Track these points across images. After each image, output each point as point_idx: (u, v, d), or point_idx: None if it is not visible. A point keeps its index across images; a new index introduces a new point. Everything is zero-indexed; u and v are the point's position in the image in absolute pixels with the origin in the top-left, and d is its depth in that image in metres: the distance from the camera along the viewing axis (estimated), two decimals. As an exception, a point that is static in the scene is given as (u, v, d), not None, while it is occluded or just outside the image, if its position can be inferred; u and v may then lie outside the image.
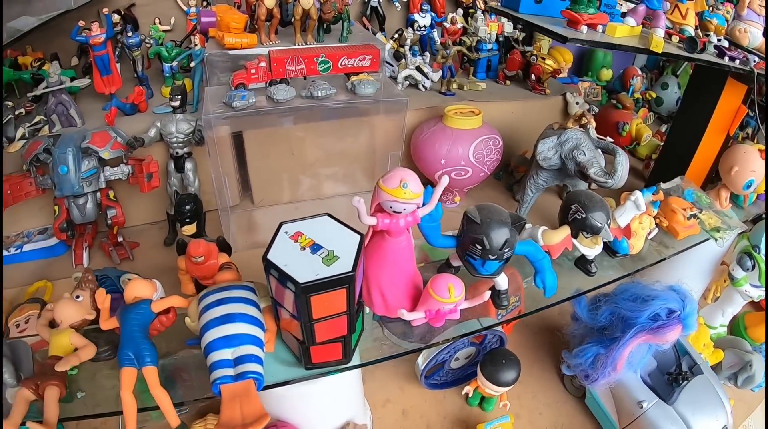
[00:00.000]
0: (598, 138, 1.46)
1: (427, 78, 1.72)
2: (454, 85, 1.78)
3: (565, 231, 0.97)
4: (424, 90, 1.74)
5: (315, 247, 0.68)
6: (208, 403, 0.95)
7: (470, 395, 1.10)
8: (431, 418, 1.10)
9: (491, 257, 0.77)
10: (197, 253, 1.09)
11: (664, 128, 2.10)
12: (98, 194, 1.41)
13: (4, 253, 1.54)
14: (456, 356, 1.10)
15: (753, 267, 1.19)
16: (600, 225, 0.93)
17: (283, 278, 0.64)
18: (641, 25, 1.26)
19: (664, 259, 1.11)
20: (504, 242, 0.76)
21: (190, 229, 1.31)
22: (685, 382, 1.04)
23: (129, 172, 1.41)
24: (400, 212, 0.74)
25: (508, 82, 1.89)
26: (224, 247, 1.17)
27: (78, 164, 1.32)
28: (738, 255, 1.22)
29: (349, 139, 1.63)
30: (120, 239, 1.50)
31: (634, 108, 2.07)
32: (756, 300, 1.24)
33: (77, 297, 0.85)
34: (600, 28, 1.22)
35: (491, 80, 1.91)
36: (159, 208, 1.63)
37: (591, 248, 1.00)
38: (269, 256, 0.65)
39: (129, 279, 1.07)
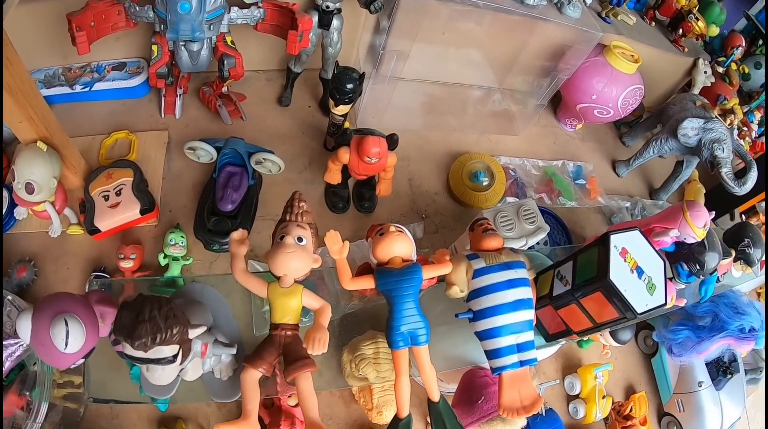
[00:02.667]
0: (738, 141, 1.47)
1: (591, -5, 1.50)
2: (611, 14, 1.58)
3: (731, 258, 1.05)
4: (584, 5, 1.52)
5: (639, 271, 0.67)
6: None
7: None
8: None
9: (700, 276, 0.86)
10: (373, 153, 0.99)
11: (744, 108, 2.14)
12: (214, 39, 1.14)
13: (66, 90, 1.24)
14: None
15: None
16: (756, 262, 1.04)
17: (618, 301, 0.65)
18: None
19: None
20: (713, 269, 0.85)
21: (344, 109, 1.15)
22: (731, 376, 1.31)
23: (260, 18, 1.13)
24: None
25: (654, 23, 1.72)
26: (393, 144, 1.07)
27: (203, 1, 1.03)
28: None
29: (508, 38, 1.46)
30: (225, 90, 1.26)
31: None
32: None
33: (299, 239, 0.64)
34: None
35: (638, 14, 1.72)
36: (267, 55, 1.39)
37: (738, 273, 1.13)
38: (612, 278, 0.64)
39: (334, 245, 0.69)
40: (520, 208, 1.12)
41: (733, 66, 2.20)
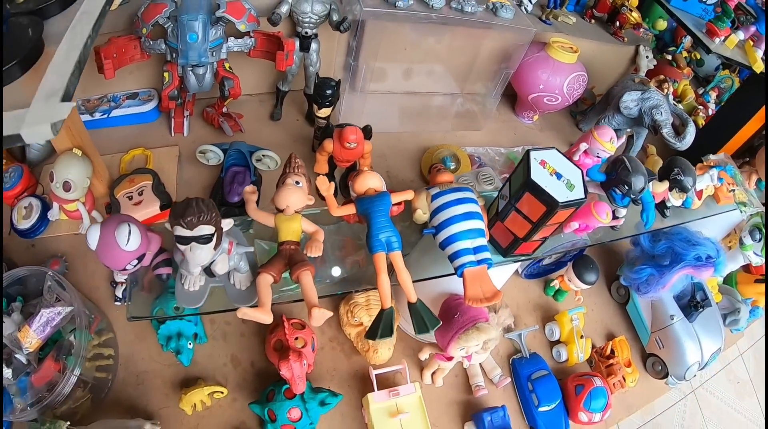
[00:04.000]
0: (674, 104, 1.69)
1: (531, 2, 1.78)
2: (551, 16, 1.86)
3: (665, 185, 1.24)
4: (525, 12, 1.80)
5: (558, 175, 0.86)
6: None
7: (557, 287, 1.44)
8: (520, 301, 1.44)
9: (630, 196, 1.04)
10: (352, 139, 1.20)
11: (700, 90, 2.38)
12: (215, 64, 1.40)
13: (87, 118, 1.49)
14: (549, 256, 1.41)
15: (759, 240, 1.58)
16: (690, 187, 1.21)
17: (542, 195, 0.83)
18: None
19: (707, 217, 1.45)
20: (641, 189, 1.03)
21: (326, 111, 1.38)
22: (702, 309, 1.44)
23: (252, 46, 1.40)
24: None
25: (593, 21, 1.99)
26: (368, 134, 1.29)
27: (207, 33, 1.28)
28: (750, 227, 1.57)
29: (463, 50, 1.71)
30: (225, 110, 1.52)
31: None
32: (754, 265, 1.63)
33: (297, 183, 0.87)
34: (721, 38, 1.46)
35: (578, 14, 2.00)
36: (259, 80, 1.65)
37: (677, 200, 1.30)
38: (533, 178, 0.83)
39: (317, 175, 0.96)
40: (478, 174, 1.32)
41: (684, 54, 2.47)
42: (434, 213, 0.90)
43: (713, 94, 2.40)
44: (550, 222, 0.87)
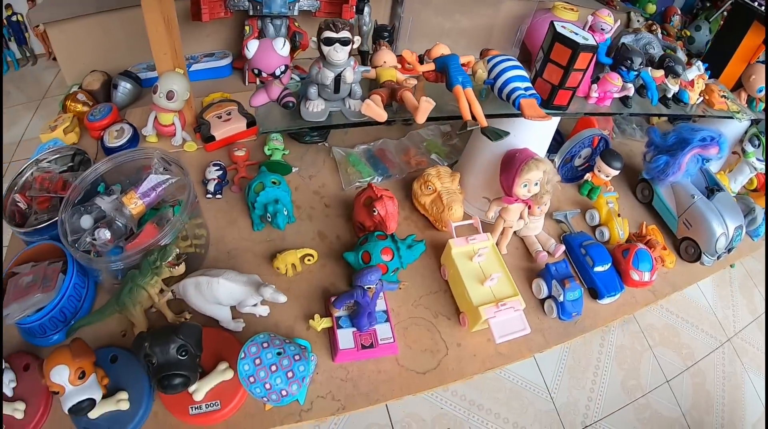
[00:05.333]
0: (662, 41, 2.43)
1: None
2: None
3: (661, 71, 1.88)
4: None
5: (576, 33, 1.50)
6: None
7: (590, 182, 2.00)
8: (560, 199, 2.00)
9: (634, 69, 1.68)
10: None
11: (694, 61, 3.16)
12: (287, 20, 2.09)
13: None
14: (580, 154, 2.02)
15: (758, 145, 2.22)
16: (680, 72, 1.87)
17: (567, 41, 1.46)
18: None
19: (704, 116, 2.09)
20: (640, 63, 1.68)
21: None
22: (716, 192, 2.02)
23: (318, 7, 2.10)
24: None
25: (588, -6, 2.81)
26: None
27: None
28: (749, 136, 2.23)
29: (483, 18, 2.45)
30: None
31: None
32: (758, 171, 2.27)
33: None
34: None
35: (573, -11, 2.82)
36: None
37: (673, 86, 1.95)
38: (557, 29, 1.48)
39: None
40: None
41: (675, 31, 3.30)
42: (492, 68, 1.52)
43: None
44: (576, 66, 1.50)
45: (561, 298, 1.58)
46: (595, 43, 1.47)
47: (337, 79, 1.33)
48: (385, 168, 1.86)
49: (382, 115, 1.30)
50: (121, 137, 1.84)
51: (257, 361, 1.16)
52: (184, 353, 1.16)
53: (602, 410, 2.56)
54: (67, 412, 1.15)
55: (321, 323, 1.37)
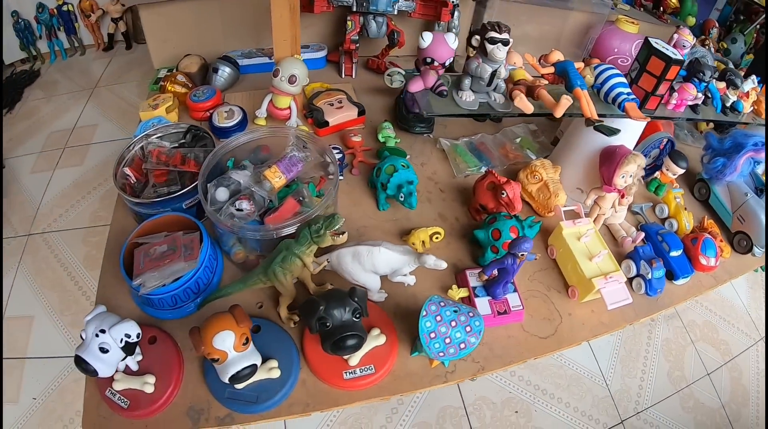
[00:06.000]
0: (714, 54, 2.93)
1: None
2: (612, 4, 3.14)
3: (723, 83, 2.37)
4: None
5: (666, 48, 1.96)
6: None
7: (658, 180, 2.44)
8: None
9: (705, 81, 2.16)
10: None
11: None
12: (386, 18, 2.49)
13: (266, 60, 2.54)
14: (650, 154, 2.47)
15: None
16: (739, 84, 2.35)
17: (662, 55, 1.91)
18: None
19: (749, 124, 2.57)
20: (710, 76, 2.16)
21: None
22: (762, 192, 2.51)
23: (413, 8, 2.51)
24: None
25: (641, 8, 3.31)
26: None
27: None
28: None
29: (551, 27, 2.91)
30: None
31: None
32: None
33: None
34: None
35: (629, 5, 3.32)
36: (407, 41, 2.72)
37: (732, 96, 2.42)
38: (652, 43, 1.92)
39: None
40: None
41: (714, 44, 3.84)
42: (598, 75, 1.96)
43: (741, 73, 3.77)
44: (667, 76, 1.96)
45: (649, 276, 2.01)
46: (682, 58, 1.92)
47: (493, 74, 1.73)
48: (488, 160, 2.27)
49: (529, 108, 1.70)
50: (232, 118, 2.19)
51: (438, 318, 1.39)
52: (358, 315, 1.34)
53: (651, 398, 3.00)
54: (227, 380, 1.27)
55: (459, 292, 1.74)
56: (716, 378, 3.20)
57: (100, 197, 3.56)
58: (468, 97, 1.77)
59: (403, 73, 2.47)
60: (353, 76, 2.62)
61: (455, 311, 1.43)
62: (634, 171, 1.98)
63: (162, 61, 2.68)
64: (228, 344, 1.25)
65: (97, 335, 1.28)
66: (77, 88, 4.28)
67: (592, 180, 2.09)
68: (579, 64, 1.95)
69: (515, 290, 1.79)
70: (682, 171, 2.41)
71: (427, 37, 1.65)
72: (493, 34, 1.66)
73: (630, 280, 2.08)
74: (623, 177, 1.97)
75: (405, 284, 1.73)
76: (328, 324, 1.31)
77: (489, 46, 1.67)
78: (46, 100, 4.24)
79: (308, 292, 1.65)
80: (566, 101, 1.69)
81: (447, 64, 1.69)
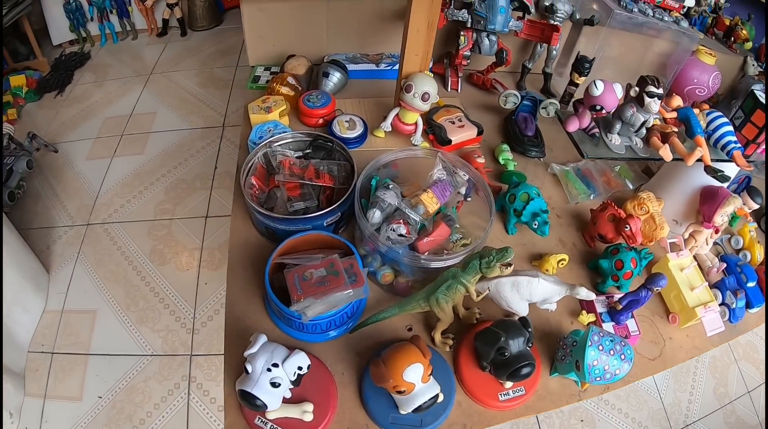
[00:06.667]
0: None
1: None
2: (689, 31, 3.56)
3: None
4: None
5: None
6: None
7: (735, 213, 2.89)
8: None
9: None
10: None
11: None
12: (497, 36, 2.80)
13: (372, 67, 2.86)
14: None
15: None
16: None
17: (766, 108, 2.34)
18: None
19: None
20: None
21: (583, 79, 2.90)
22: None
23: (521, 28, 2.84)
24: None
25: (713, 37, 3.74)
26: None
27: (508, 8, 2.67)
28: None
29: (632, 53, 3.32)
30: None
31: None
32: None
33: None
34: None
35: (702, 32, 3.75)
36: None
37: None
38: (759, 98, 2.35)
39: None
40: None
41: (768, 69, 4.32)
42: (710, 122, 2.38)
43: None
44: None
45: (734, 306, 2.46)
46: (784, 112, 2.35)
47: (643, 123, 2.13)
48: (594, 187, 2.67)
49: (670, 157, 2.11)
50: (354, 129, 2.37)
51: (600, 347, 1.61)
52: (530, 344, 1.54)
53: (699, 412, 3.52)
54: (411, 410, 1.37)
55: (587, 318, 2.13)
56: (756, 396, 3.73)
57: (165, 189, 3.77)
58: (616, 141, 2.16)
59: (518, 95, 2.85)
60: (458, 91, 2.98)
61: (611, 341, 1.66)
62: (731, 211, 2.42)
63: (257, 58, 2.88)
64: (417, 377, 1.34)
65: (269, 369, 1.33)
66: (131, 73, 4.48)
67: (687, 214, 2.51)
68: (695, 110, 2.37)
69: (632, 316, 2.21)
70: (757, 206, 2.86)
71: (600, 86, 2.01)
72: (651, 88, 2.04)
73: (715, 308, 2.52)
74: (722, 216, 2.40)
75: (549, 310, 2.01)
76: (506, 354, 1.50)
77: (647, 99, 2.05)
78: (97, 84, 4.44)
79: (457, 316, 1.81)
80: (699, 153, 2.10)
81: (611, 112, 2.08)
